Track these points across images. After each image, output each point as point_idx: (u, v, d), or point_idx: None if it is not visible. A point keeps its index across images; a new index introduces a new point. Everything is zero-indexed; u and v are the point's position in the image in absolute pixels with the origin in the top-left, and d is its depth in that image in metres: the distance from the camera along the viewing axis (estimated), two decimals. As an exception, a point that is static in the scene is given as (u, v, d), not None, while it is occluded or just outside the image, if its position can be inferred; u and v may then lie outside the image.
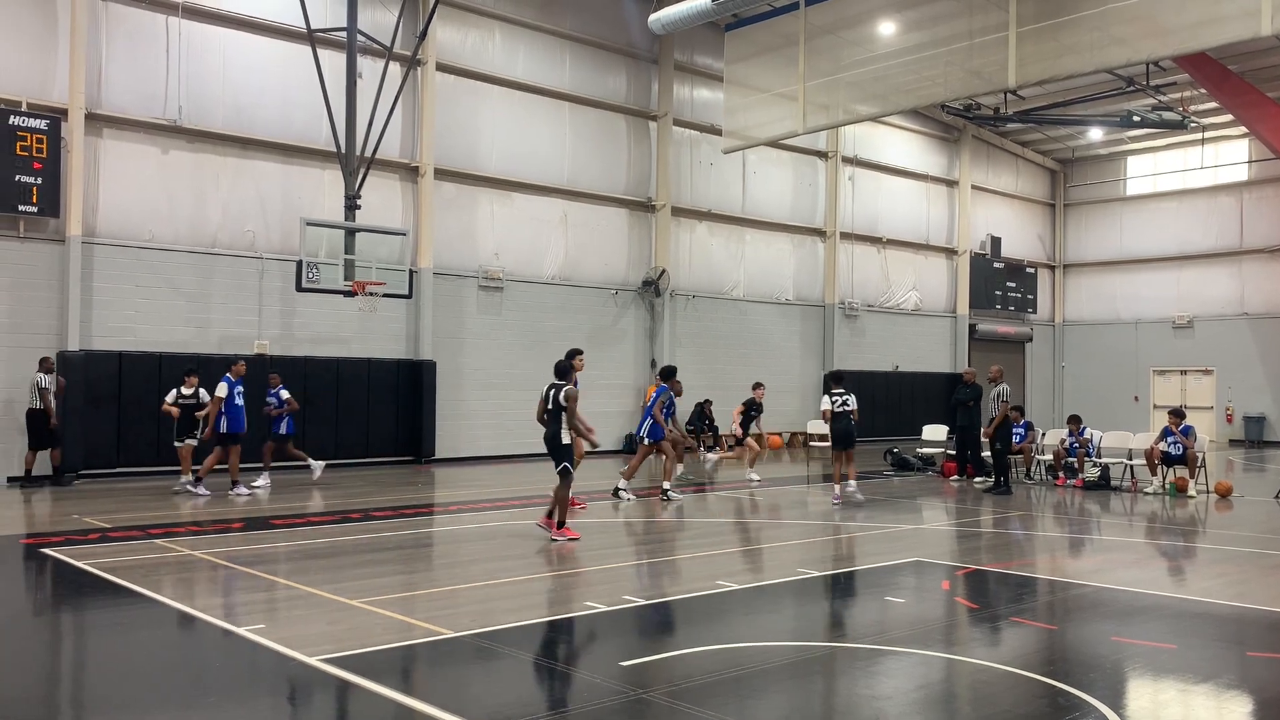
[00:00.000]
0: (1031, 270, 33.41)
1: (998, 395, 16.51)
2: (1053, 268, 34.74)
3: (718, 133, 23.48)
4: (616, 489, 14.19)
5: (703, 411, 24.03)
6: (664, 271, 23.54)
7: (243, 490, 13.59)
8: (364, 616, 7.18)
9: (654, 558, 9.85)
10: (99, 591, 8.05)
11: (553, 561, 9.52)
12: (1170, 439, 15.90)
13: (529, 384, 21.37)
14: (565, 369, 10.76)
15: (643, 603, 7.72)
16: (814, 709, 5.51)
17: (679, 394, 14.37)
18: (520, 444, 20.98)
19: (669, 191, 23.97)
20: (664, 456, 14.40)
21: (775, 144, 24.95)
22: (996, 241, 32.31)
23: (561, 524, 10.41)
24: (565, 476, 10.36)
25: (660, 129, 23.95)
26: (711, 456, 21.00)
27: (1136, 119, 25.46)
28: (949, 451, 18.47)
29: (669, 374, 14.33)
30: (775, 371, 25.97)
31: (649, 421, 14.14)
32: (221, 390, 13.39)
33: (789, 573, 9.03)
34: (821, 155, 27.48)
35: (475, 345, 20.94)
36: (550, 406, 10.40)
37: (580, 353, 11.74)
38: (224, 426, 13.56)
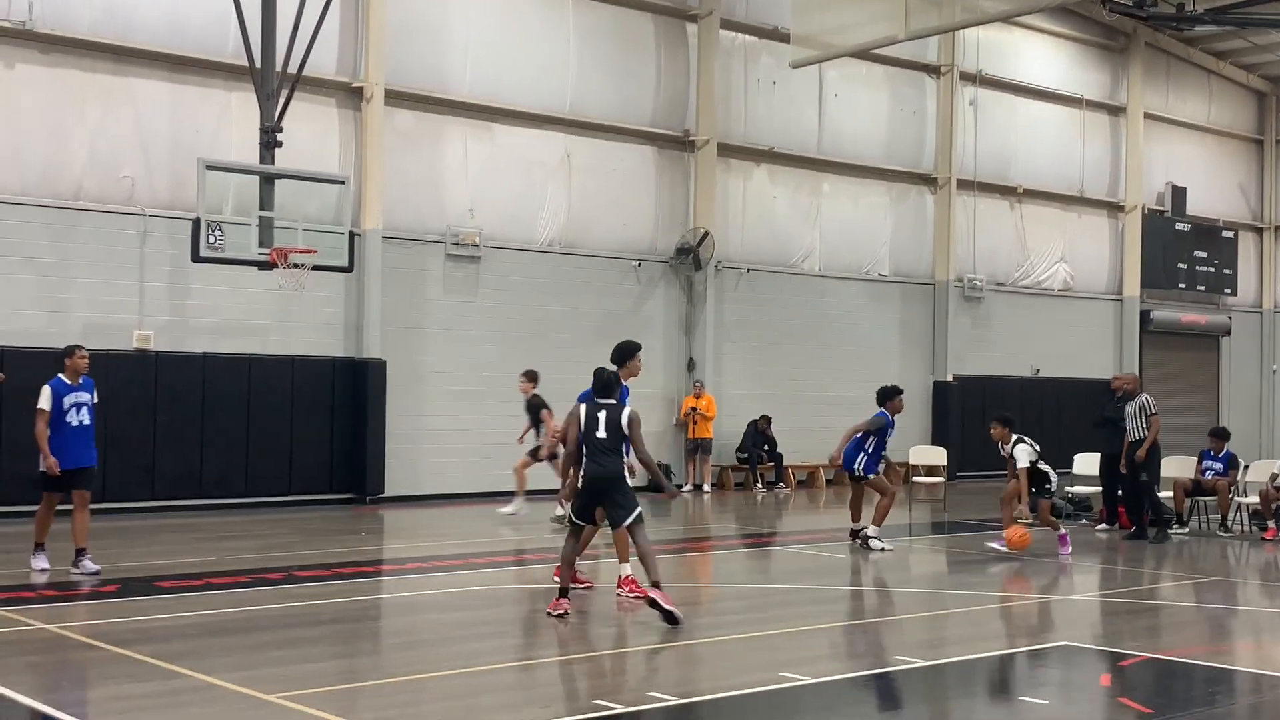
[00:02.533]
0: (1230, 234, 33.19)
1: (1140, 409, 16.70)
2: (1260, 230, 34.47)
3: (784, 39, 23.43)
4: (860, 535, 15.25)
5: (760, 432, 24.07)
6: (706, 235, 23.59)
7: (89, 565, 12.79)
8: (286, 718, 7.24)
9: (691, 638, 9.88)
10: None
11: (552, 642, 9.56)
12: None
13: (518, 394, 21.45)
14: (613, 381, 10.55)
15: (674, 701, 7.74)
16: None
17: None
18: (503, 478, 21.02)
19: (714, 122, 24.01)
20: (879, 494, 15.34)
21: (866, 55, 24.90)
22: (1180, 193, 32.14)
23: (656, 584, 10.18)
24: (639, 524, 10.25)
25: (702, 33, 23.99)
26: (778, 490, 21.02)
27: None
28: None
29: (889, 394, 15.42)
30: (863, 376, 25.77)
31: (863, 456, 15.16)
32: (45, 400, 12.11)
33: (882, 661, 9.02)
34: (932, 71, 27.43)
35: (441, 338, 21.05)
36: (605, 433, 10.22)
37: (638, 348, 11.71)
38: (44, 463, 12.10)
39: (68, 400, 12.20)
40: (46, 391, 12.18)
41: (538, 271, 22.09)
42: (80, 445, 12.31)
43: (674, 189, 23.90)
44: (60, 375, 12.28)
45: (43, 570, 12.29)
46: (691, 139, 23.84)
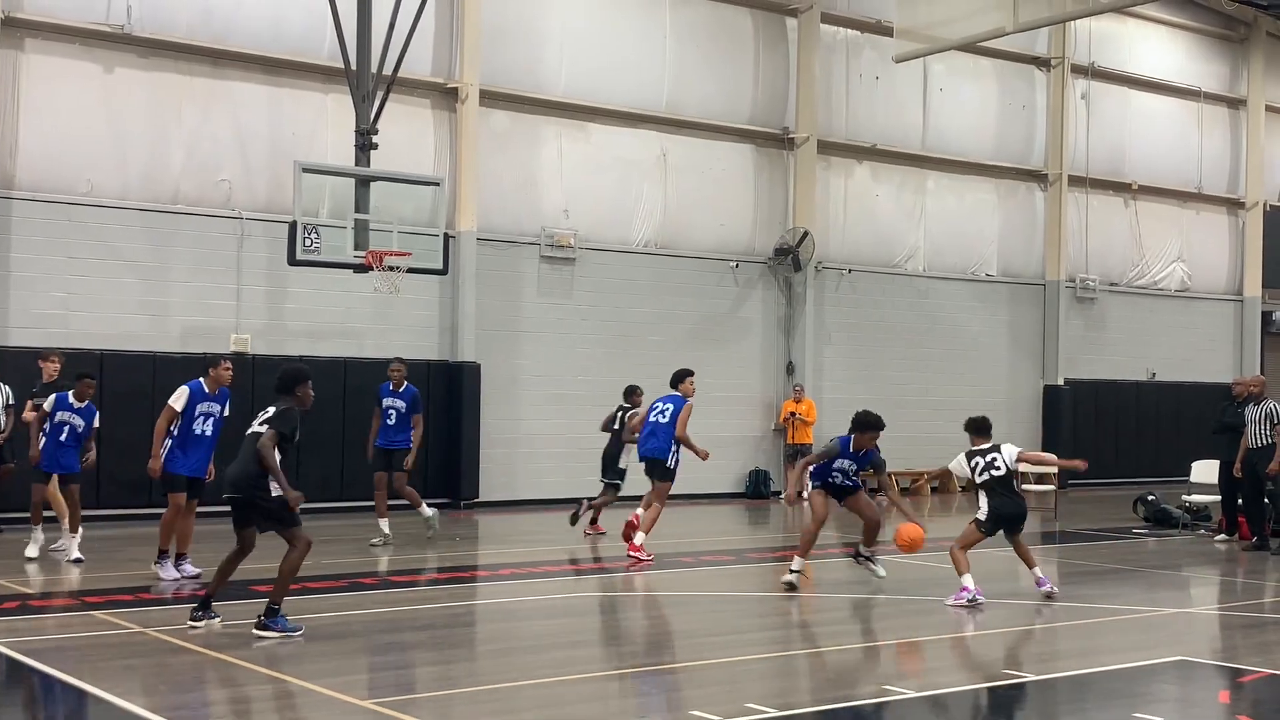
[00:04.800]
0: (1359, 231, 32.36)
1: (1267, 416, 16.37)
2: (1393, 227, 33.53)
3: (887, 32, 23.27)
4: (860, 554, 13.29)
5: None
6: (806, 234, 23.50)
7: (189, 569, 12.54)
8: (380, 723, 7.34)
9: (798, 647, 9.84)
10: (15, 682, 8.41)
11: (650, 649, 9.58)
12: None
13: (614, 396, 21.50)
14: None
15: (774, 714, 7.72)
16: None
17: None
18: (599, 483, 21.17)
19: (814, 119, 23.91)
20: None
21: (972, 48, 24.64)
22: (1305, 188, 31.42)
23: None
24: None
25: (803, 28, 23.92)
26: (879, 499, 20.73)
27: None
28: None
29: (861, 426, 12.69)
30: (971, 380, 25.67)
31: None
32: (178, 400, 12.31)
33: (991, 675, 8.93)
34: (1042, 64, 27.09)
35: (536, 341, 21.20)
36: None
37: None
38: (152, 462, 12.41)
39: (200, 408, 12.42)
40: (183, 392, 12.38)
41: (633, 273, 22.15)
42: (200, 455, 12.52)
43: (773, 188, 23.84)
44: (201, 380, 12.53)
45: (175, 579, 12.37)
46: (791, 136, 23.76)
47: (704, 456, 14.92)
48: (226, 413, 12.70)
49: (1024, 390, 26.68)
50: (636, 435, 15.59)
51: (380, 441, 15.46)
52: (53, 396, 13.53)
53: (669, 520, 19.31)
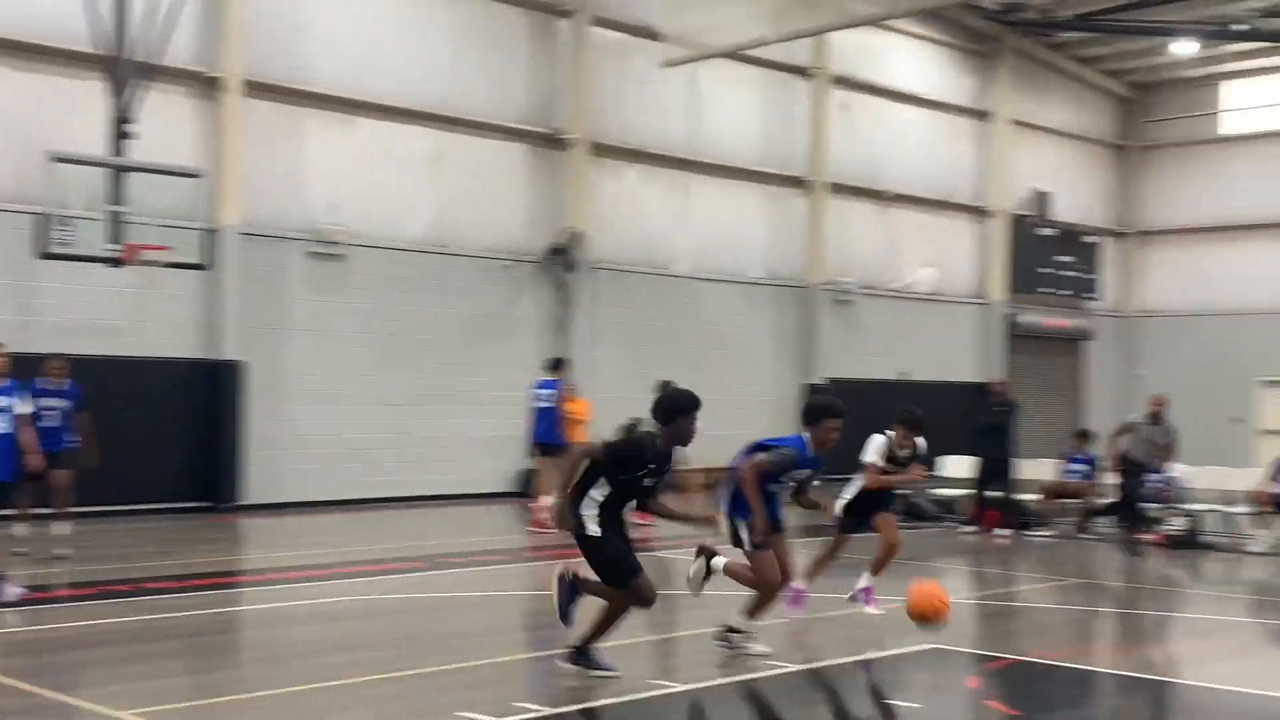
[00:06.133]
0: (1093, 240, 34.17)
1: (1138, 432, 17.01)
2: (1122, 236, 35.53)
3: (656, 38, 23.57)
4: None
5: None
6: (579, 234, 23.56)
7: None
8: (138, 736, 7.05)
9: (560, 646, 9.81)
10: None
11: (419, 652, 9.44)
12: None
13: (385, 396, 21.20)
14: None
15: (546, 711, 7.70)
16: None
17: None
18: (375, 483, 20.82)
19: (586, 121, 23.97)
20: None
21: (738, 56, 25.10)
22: (1044, 198, 32.98)
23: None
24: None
25: (574, 31, 23.93)
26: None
27: (1238, 29, 26.21)
28: (987, 494, 18.80)
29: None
30: (737, 379, 26.11)
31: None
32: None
33: (757, 667, 9.07)
34: (803, 73, 27.71)
35: (305, 340, 20.68)
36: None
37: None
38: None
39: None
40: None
41: (406, 271, 21.82)
42: None
43: (546, 188, 23.80)
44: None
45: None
46: (563, 137, 23.77)
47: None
48: (28, 407, 12.03)
49: (786, 389, 27.28)
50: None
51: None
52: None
53: (437, 521, 19.19)
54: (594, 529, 8.24)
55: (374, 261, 21.44)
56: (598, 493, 8.29)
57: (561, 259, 23.48)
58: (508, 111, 23.24)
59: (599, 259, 24.21)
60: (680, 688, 8.31)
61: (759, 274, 27.11)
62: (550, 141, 23.75)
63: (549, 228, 23.69)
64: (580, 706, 7.96)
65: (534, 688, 8.56)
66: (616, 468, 8.30)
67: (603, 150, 24.41)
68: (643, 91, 25.03)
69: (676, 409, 8.69)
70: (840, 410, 10.10)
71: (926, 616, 9.29)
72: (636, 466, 8.32)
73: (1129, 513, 16.96)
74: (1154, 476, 17.38)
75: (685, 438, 8.61)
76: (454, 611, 11.65)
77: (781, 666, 9.07)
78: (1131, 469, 16.40)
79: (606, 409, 23.58)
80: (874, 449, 11.47)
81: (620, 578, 8.26)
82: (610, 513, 8.34)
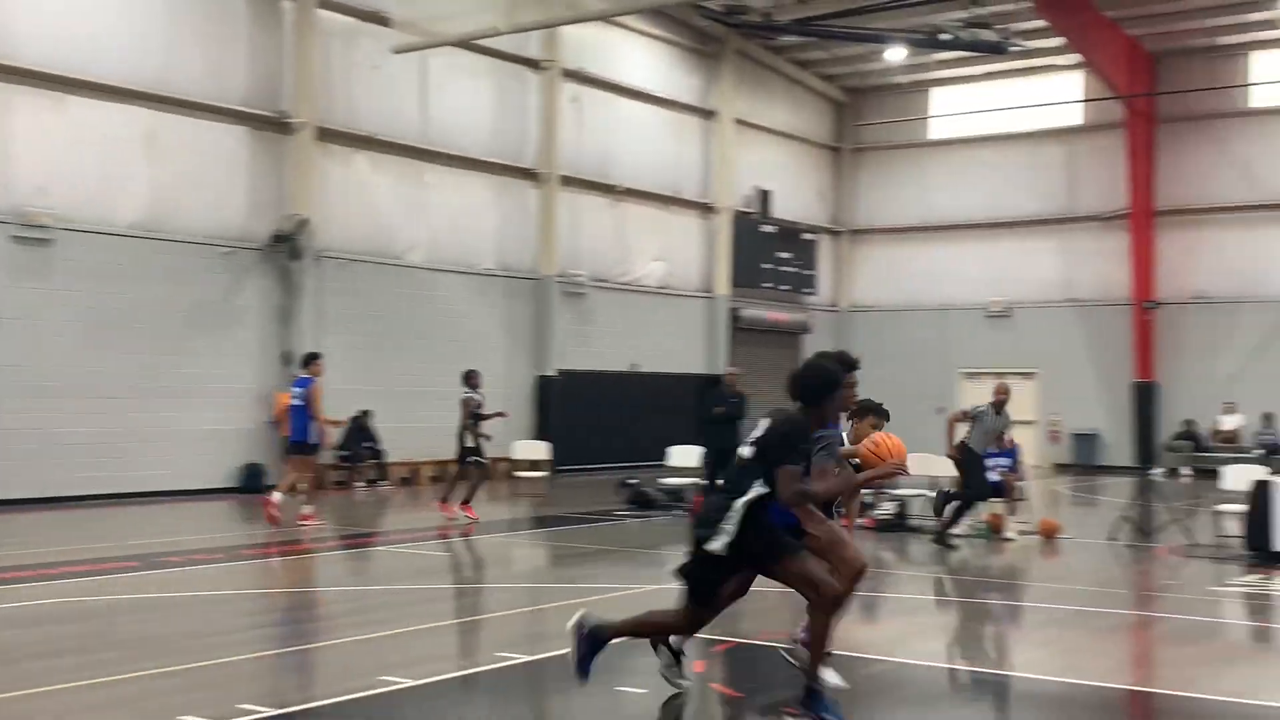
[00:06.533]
0: (810, 237, 35.30)
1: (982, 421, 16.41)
2: (837, 233, 36.87)
3: (386, 23, 23.09)
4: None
5: (362, 428, 23.57)
6: (304, 222, 22.86)
7: None
8: None
9: (294, 644, 9.49)
10: None
11: (137, 655, 8.94)
12: (993, 461, 17.28)
13: (98, 388, 20.08)
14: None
15: (272, 712, 7.40)
16: None
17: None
18: (88, 479, 19.71)
19: (313, 105, 23.27)
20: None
21: (469, 45, 24.86)
22: (766, 196, 33.86)
23: None
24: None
25: (299, 11, 23.18)
26: (380, 488, 20.65)
27: (946, 37, 27.40)
28: (702, 483, 19.13)
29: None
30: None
31: None
32: None
33: (485, 659, 8.96)
34: (534, 65, 27.65)
35: (9, 329, 19.40)
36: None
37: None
38: None
39: None
40: None
41: (119, 257, 20.68)
42: None
43: (270, 173, 22.98)
44: None
45: None
46: (288, 121, 23.01)
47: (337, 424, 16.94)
48: None
49: (519, 380, 27.20)
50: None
51: None
52: None
53: (155, 518, 18.31)
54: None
55: (84, 247, 20.25)
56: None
57: (286, 247, 22.72)
58: (228, 93, 22.34)
59: (326, 247, 23.54)
60: (410, 683, 8.12)
61: (491, 265, 26.92)
62: (275, 125, 22.95)
63: (273, 214, 22.89)
64: (305, 706, 7.67)
65: (257, 688, 8.20)
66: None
67: (330, 136, 23.74)
68: (372, 77, 24.48)
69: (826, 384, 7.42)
70: (847, 369, 8.71)
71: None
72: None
73: (969, 503, 16.55)
74: (1002, 461, 17.59)
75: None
76: (174, 612, 11.09)
77: (511, 658, 8.98)
78: (970, 457, 16.39)
79: (335, 402, 23.07)
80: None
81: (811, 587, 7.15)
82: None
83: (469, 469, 17.87)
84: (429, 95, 25.57)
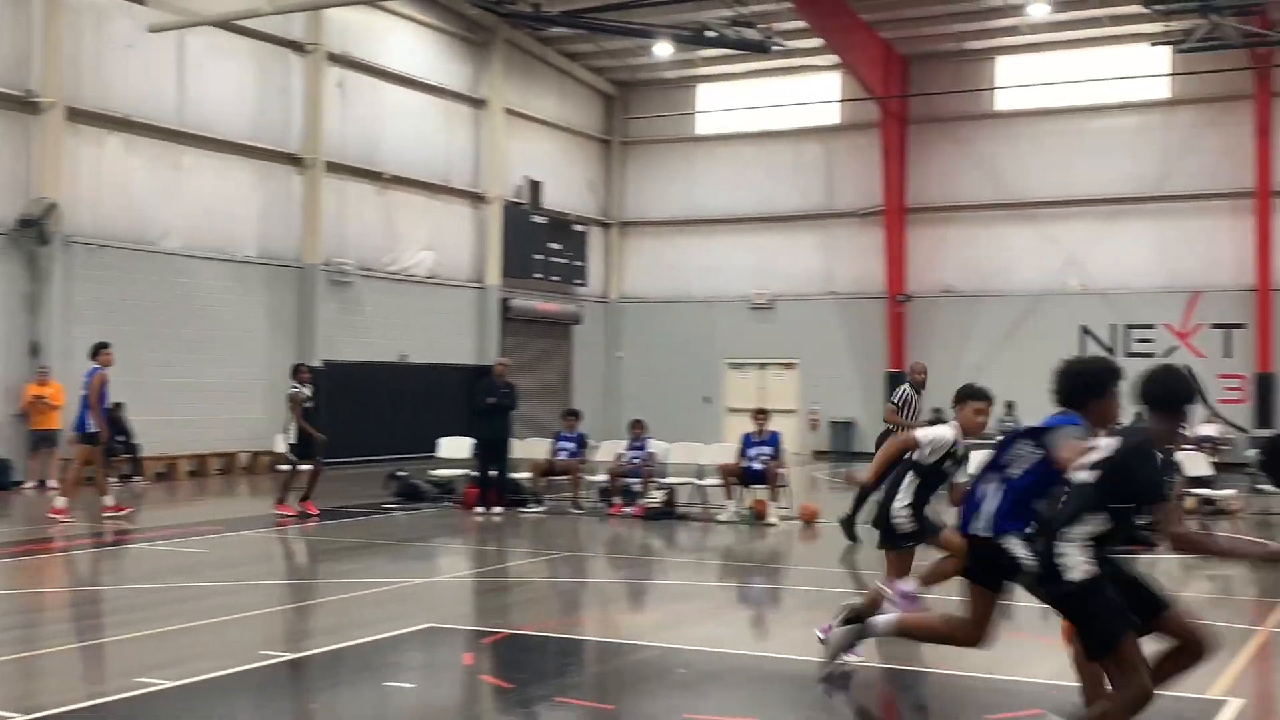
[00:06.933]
0: (581, 228, 35.49)
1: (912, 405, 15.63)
2: (607, 225, 37.14)
3: (142, 1, 22.16)
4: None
5: (115, 421, 22.58)
6: (53, 206, 21.78)
7: None
8: None
9: (48, 645, 9.08)
10: None
11: None
12: (753, 449, 17.70)
13: None
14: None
15: (23, 717, 7.07)
16: None
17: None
18: None
19: (63, 84, 22.18)
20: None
21: (230, 25, 24.09)
22: (536, 186, 33.85)
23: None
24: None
25: (47, -13, 22.12)
26: (133, 483, 19.83)
27: (711, 34, 27.89)
28: (472, 473, 19.07)
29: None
30: (230, 361, 25.08)
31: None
32: None
33: (248, 658, 8.74)
34: (297, 48, 26.96)
35: None
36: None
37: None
38: None
39: None
40: None
41: None
42: None
43: (16, 155, 21.82)
44: None
45: None
46: (35, 100, 21.88)
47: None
48: None
49: (282, 372, 26.44)
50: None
51: None
52: None
53: None
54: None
55: None
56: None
57: (33, 231, 21.61)
58: (-30, 69, 21.15)
59: (76, 232, 22.48)
60: (168, 684, 7.85)
61: (252, 252, 26.14)
62: (21, 104, 21.81)
63: (19, 198, 21.75)
64: (58, 711, 7.34)
65: (8, 692, 7.79)
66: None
67: (81, 116, 22.67)
68: (127, 56, 23.47)
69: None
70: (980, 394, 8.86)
71: None
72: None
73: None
74: (764, 450, 17.79)
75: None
76: None
77: (276, 656, 8.79)
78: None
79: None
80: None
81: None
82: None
83: (298, 466, 17.57)
84: (187, 76, 24.66)
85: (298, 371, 18.23)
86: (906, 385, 15.62)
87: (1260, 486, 19.08)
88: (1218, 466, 19.98)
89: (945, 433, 8.69)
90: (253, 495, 21.24)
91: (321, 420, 25.70)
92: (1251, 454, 21.71)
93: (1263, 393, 29.92)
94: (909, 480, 8.77)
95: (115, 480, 22.23)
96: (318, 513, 17.20)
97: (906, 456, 8.84)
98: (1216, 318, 30.60)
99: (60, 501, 16.25)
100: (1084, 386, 6.43)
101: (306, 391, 17.86)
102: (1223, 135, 30.38)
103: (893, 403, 15.66)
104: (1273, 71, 29.45)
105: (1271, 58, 29.08)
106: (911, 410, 15.43)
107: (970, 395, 8.77)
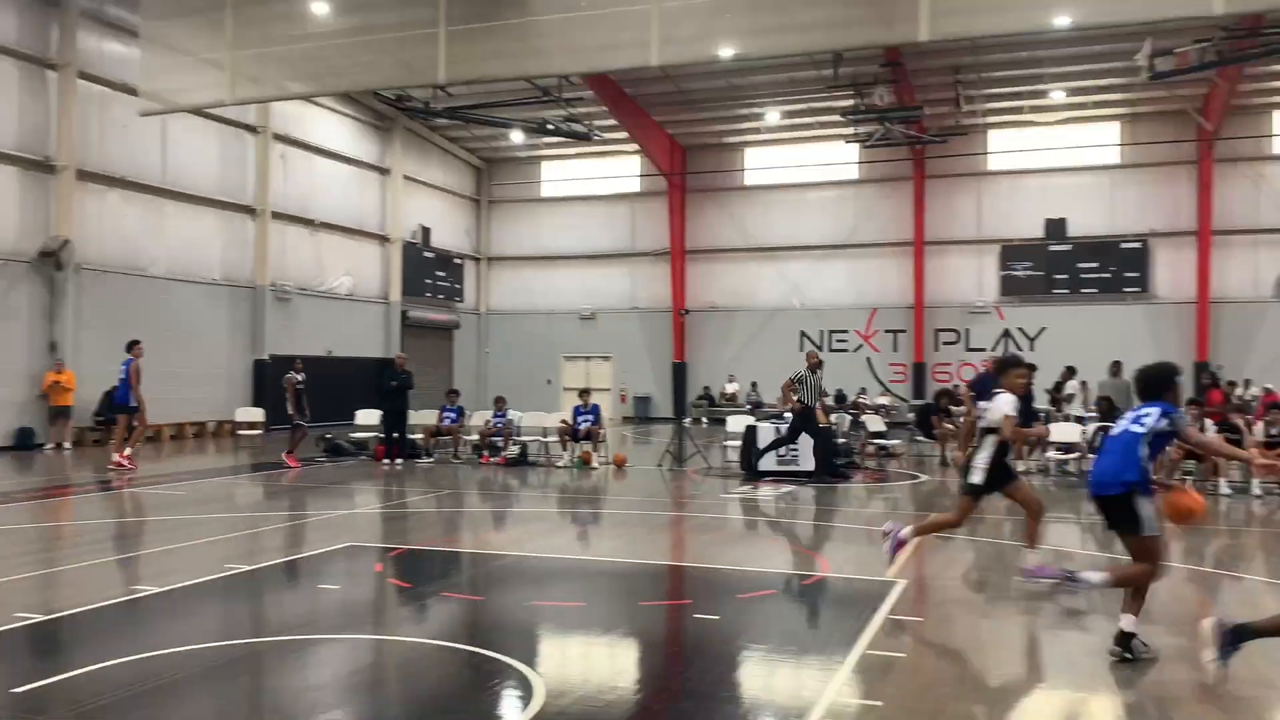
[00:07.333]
0: (459, 261, 35.16)
1: (806, 382, 15.07)
2: (478, 259, 36.86)
3: (134, 93, 21.18)
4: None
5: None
6: (67, 242, 20.71)
7: None
8: None
9: (50, 566, 8.72)
10: None
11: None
12: (580, 416, 17.96)
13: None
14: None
15: (41, 618, 6.82)
16: (242, 710, 5.37)
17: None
18: None
19: (73, 151, 21.13)
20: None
21: (201, 112, 23.23)
22: (427, 231, 33.45)
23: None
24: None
25: (62, 81, 20.99)
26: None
27: (550, 127, 27.98)
28: (380, 435, 18.85)
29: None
30: (200, 357, 24.27)
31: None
32: None
33: (214, 570, 8.58)
34: (251, 129, 26.16)
35: None
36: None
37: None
38: None
39: None
40: None
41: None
42: None
43: (36, 203, 20.71)
44: None
45: None
46: (53, 164, 20.78)
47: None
48: None
49: (239, 363, 25.75)
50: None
51: None
52: None
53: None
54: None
55: None
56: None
57: (52, 261, 20.56)
58: (2, 139, 19.95)
59: (84, 261, 21.45)
60: (154, 590, 7.63)
61: (218, 277, 25.27)
62: (41, 166, 20.74)
63: (41, 236, 20.67)
64: (71, 611, 7.06)
65: (27, 599, 7.44)
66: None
67: (88, 176, 21.63)
68: (123, 132, 22.45)
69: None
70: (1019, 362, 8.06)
71: (1187, 513, 6.28)
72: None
73: (789, 443, 15.41)
74: (588, 416, 17.92)
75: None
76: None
77: (233, 568, 8.62)
78: (805, 411, 15.06)
79: (91, 381, 21.21)
80: (1009, 403, 7.60)
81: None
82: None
83: (297, 428, 17.46)
84: (169, 148, 23.70)
85: (293, 363, 18.01)
86: (804, 368, 15.28)
87: (917, 438, 20.09)
88: (889, 425, 20.98)
89: (1009, 401, 7.57)
90: (218, 453, 20.57)
91: (267, 399, 25.11)
92: (910, 416, 22.90)
93: (917, 375, 31.50)
94: (990, 441, 7.63)
95: (140, 443, 21.39)
96: (299, 466, 16.82)
97: (985, 425, 7.67)
98: (888, 325, 32.03)
99: (117, 456, 15.95)
100: (1159, 382, 6.20)
101: (299, 377, 17.53)
102: (893, 204, 31.80)
103: (790, 379, 15.44)
104: (926, 161, 30.98)
105: (925, 151, 30.57)
106: (807, 387, 15.01)
107: (1011, 364, 7.91)
